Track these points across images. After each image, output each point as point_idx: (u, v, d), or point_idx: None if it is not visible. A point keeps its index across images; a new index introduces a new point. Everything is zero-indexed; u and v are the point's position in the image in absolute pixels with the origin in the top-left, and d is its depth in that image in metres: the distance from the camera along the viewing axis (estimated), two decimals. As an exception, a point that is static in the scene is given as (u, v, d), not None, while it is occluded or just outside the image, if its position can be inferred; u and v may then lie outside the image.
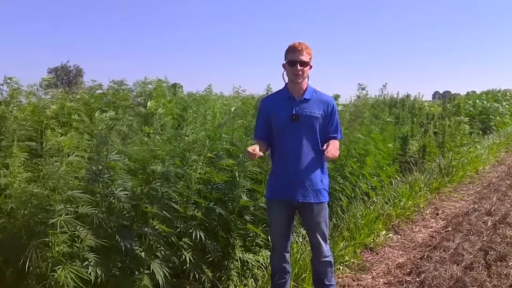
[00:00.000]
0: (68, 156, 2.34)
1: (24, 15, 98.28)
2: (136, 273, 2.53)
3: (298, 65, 2.56)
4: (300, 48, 2.57)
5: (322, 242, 2.68)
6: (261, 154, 2.49)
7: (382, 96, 9.52)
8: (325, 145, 2.52)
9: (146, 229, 2.57)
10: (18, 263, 2.12)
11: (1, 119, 2.84)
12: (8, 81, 3.27)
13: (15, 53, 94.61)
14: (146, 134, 3.38)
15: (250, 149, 2.45)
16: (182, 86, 7.82)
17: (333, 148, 2.50)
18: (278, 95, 2.73)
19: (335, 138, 2.69)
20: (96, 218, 2.33)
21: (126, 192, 2.49)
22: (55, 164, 2.24)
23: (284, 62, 2.65)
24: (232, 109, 4.59)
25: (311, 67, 2.65)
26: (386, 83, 7.86)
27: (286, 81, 2.69)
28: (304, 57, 2.57)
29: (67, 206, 2.21)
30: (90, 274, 2.23)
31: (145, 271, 2.55)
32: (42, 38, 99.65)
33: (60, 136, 2.94)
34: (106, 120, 2.90)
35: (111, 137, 2.56)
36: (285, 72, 2.67)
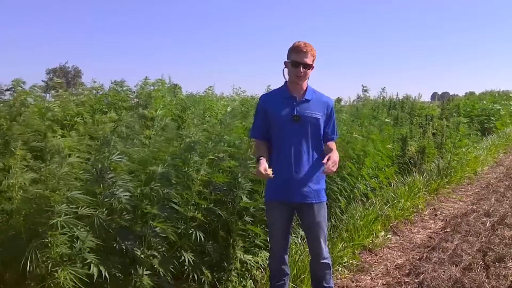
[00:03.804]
0: (69, 157, 2.35)
1: (22, 15, 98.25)
2: (136, 273, 2.54)
3: (302, 67, 2.53)
4: (305, 50, 2.52)
5: (322, 243, 2.68)
6: (271, 175, 2.47)
7: (381, 98, 9.57)
8: (326, 158, 2.51)
9: (146, 230, 2.58)
10: (17, 264, 2.13)
11: (9, 121, 2.85)
12: (19, 84, 3.29)
13: (14, 54, 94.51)
14: (146, 136, 3.39)
15: (262, 169, 2.45)
16: (181, 87, 7.83)
17: (333, 163, 2.49)
18: (278, 94, 2.69)
19: (332, 139, 2.72)
20: (97, 219, 2.33)
21: (127, 193, 2.49)
22: (55, 165, 2.24)
23: (287, 60, 2.60)
24: (228, 109, 4.57)
25: (313, 68, 2.62)
26: (385, 87, 8.03)
27: (286, 79, 2.66)
28: (308, 60, 2.54)
29: (67, 207, 2.22)
30: (92, 272, 2.24)
31: (145, 272, 2.56)
32: (41, 38, 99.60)
33: (61, 138, 2.96)
34: (108, 122, 2.92)
35: (113, 138, 2.56)
36: (286, 70, 2.64)
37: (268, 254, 3.20)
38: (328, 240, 3.65)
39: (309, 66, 2.56)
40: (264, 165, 2.47)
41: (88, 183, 2.41)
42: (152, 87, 5.65)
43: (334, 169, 2.51)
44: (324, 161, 2.49)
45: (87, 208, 2.31)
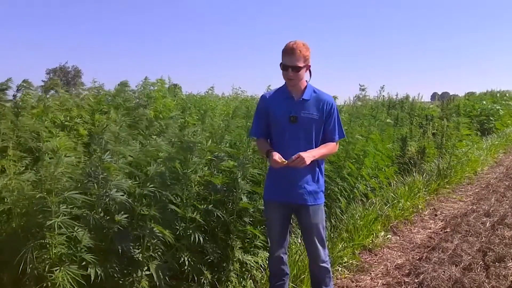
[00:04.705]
0: (65, 158, 2.33)
1: (22, 15, 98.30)
2: (134, 275, 2.53)
3: (290, 70, 2.50)
4: (293, 52, 2.46)
5: (319, 245, 2.65)
6: (285, 162, 2.47)
7: (381, 97, 9.58)
8: (296, 155, 2.45)
9: (144, 231, 2.56)
10: (15, 265, 2.12)
11: (9, 122, 2.85)
12: (24, 84, 3.30)
13: (13, 54, 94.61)
14: (145, 136, 3.39)
15: (277, 157, 2.46)
16: (181, 87, 7.84)
17: (299, 160, 2.44)
18: (278, 94, 2.68)
19: (333, 139, 2.65)
20: (93, 219, 2.33)
21: (122, 193, 2.47)
22: (50, 166, 2.23)
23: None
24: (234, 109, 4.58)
25: (309, 67, 2.58)
26: (384, 85, 8.07)
27: None
28: (298, 62, 2.48)
29: (63, 207, 2.21)
30: (89, 274, 2.23)
31: (144, 273, 2.55)
32: (41, 38, 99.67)
33: (58, 138, 2.95)
34: (106, 122, 2.91)
35: (104, 138, 2.54)
36: None
37: (268, 254, 3.20)
38: (327, 240, 3.65)
39: (298, 68, 2.50)
40: (278, 154, 2.49)
41: (81, 183, 2.40)
42: (152, 87, 5.65)
43: (304, 162, 2.45)
44: (294, 157, 2.46)
45: (83, 209, 2.31)
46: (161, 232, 2.56)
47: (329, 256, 2.84)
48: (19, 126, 2.92)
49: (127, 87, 5.40)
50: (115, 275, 2.40)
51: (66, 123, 3.84)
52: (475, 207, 5.40)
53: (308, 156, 2.47)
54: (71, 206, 2.26)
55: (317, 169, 2.64)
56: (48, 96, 3.85)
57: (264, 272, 3.25)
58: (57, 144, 2.20)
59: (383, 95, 9.81)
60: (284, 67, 2.52)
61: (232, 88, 8.21)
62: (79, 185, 2.36)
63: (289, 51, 2.48)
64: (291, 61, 2.48)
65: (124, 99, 5.02)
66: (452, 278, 3.36)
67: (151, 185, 2.56)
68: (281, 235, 2.73)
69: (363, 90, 6.20)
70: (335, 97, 5.96)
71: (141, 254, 2.55)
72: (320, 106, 2.59)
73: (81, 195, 2.26)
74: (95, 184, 2.40)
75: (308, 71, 2.64)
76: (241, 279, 3.15)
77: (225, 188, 3.18)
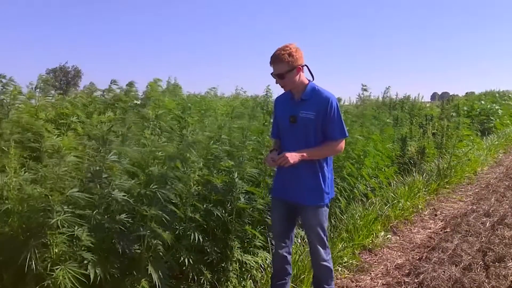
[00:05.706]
0: (67, 157, 2.33)
1: (22, 15, 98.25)
2: (134, 274, 2.53)
3: (277, 78, 2.56)
4: (273, 61, 2.52)
5: (318, 245, 2.65)
6: (276, 163, 2.55)
7: (384, 98, 9.58)
8: (281, 155, 2.51)
9: (145, 231, 2.56)
10: (16, 264, 2.12)
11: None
12: (3, 79, 3.26)
13: (13, 54, 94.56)
14: (145, 137, 3.37)
15: (269, 157, 2.58)
16: (181, 86, 7.82)
17: (282, 159, 2.48)
18: (284, 95, 2.75)
19: (333, 138, 2.61)
20: (94, 219, 2.33)
21: (124, 193, 2.47)
22: (53, 165, 2.23)
23: None
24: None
25: (299, 68, 2.56)
26: (389, 86, 8.08)
27: None
28: (280, 69, 2.51)
29: (65, 207, 2.21)
30: (89, 274, 2.23)
31: (143, 273, 2.55)
32: (41, 38, 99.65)
33: (57, 137, 2.94)
34: (105, 121, 2.90)
35: (109, 138, 2.54)
36: None
37: (268, 255, 3.20)
38: (328, 240, 3.64)
39: (282, 75, 2.53)
40: (271, 155, 2.60)
41: (84, 182, 2.40)
42: (160, 88, 5.64)
43: (283, 164, 2.50)
44: (278, 156, 2.52)
45: (85, 208, 2.31)
46: (160, 235, 2.55)
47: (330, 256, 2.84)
48: (17, 123, 2.90)
49: (133, 86, 5.37)
50: (116, 275, 2.39)
51: (61, 121, 3.82)
52: (475, 207, 5.40)
53: (294, 155, 2.49)
54: (71, 206, 2.25)
55: (319, 169, 2.62)
56: (40, 95, 3.81)
57: (264, 272, 3.25)
58: (60, 143, 2.20)
59: (386, 95, 9.80)
60: (272, 76, 2.59)
61: (235, 88, 8.28)
62: (81, 185, 2.36)
63: (271, 61, 2.55)
64: (274, 69, 2.55)
65: (115, 98, 4.97)
66: (452, 278, 3.35)
67: (155, 186, 2.56)
68: (283, 234, 2.74)
69: (365, 90, 6.16)
70: (339, 99, 5.98)
71: (141, 254, 2.55)
72: (317, 105, 2.57)
73: (82, 194, 2.26)
74: (97, 184, 2.40)
75: (308, 71, 2.65)
76: (241, 279, 3.15)
77: (224, 188, 3.17)
